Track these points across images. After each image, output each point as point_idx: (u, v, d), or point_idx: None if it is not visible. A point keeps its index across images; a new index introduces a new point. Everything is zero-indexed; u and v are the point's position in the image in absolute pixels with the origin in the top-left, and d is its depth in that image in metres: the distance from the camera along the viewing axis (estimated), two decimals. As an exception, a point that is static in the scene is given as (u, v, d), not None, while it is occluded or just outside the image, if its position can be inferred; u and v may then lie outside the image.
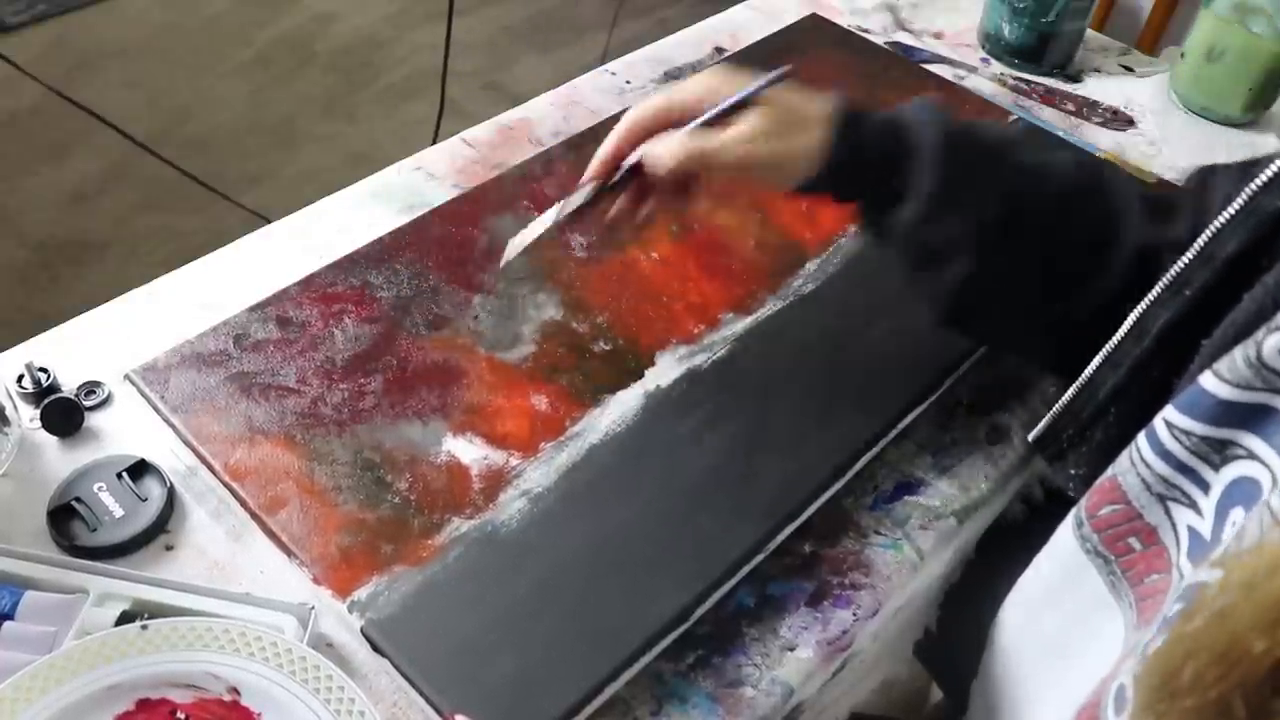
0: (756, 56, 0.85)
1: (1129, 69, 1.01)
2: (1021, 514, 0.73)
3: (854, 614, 0.57)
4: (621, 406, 0.60)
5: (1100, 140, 0.90)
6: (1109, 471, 0.47)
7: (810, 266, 0.69)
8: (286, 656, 0.49)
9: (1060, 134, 0.91)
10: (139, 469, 0.59)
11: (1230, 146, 0.92)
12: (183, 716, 0.47)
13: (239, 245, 0.76)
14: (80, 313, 0.70)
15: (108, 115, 1.61)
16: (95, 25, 2.28)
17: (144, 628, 0.49)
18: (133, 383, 0.61)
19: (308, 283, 0.67)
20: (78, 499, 0.58)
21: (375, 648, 0.51)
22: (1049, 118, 0.92)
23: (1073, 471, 0.53)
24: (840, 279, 0.68)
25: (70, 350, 0.67)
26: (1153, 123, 0.94)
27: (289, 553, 0.54)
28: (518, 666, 0.49)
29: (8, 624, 0.51)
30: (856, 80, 0.84)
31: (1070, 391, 0.52)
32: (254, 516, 0.56)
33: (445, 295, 0.66)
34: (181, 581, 0.54)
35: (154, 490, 0.59)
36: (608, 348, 0.63)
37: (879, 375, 0.63)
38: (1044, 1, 0.95)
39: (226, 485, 0.57)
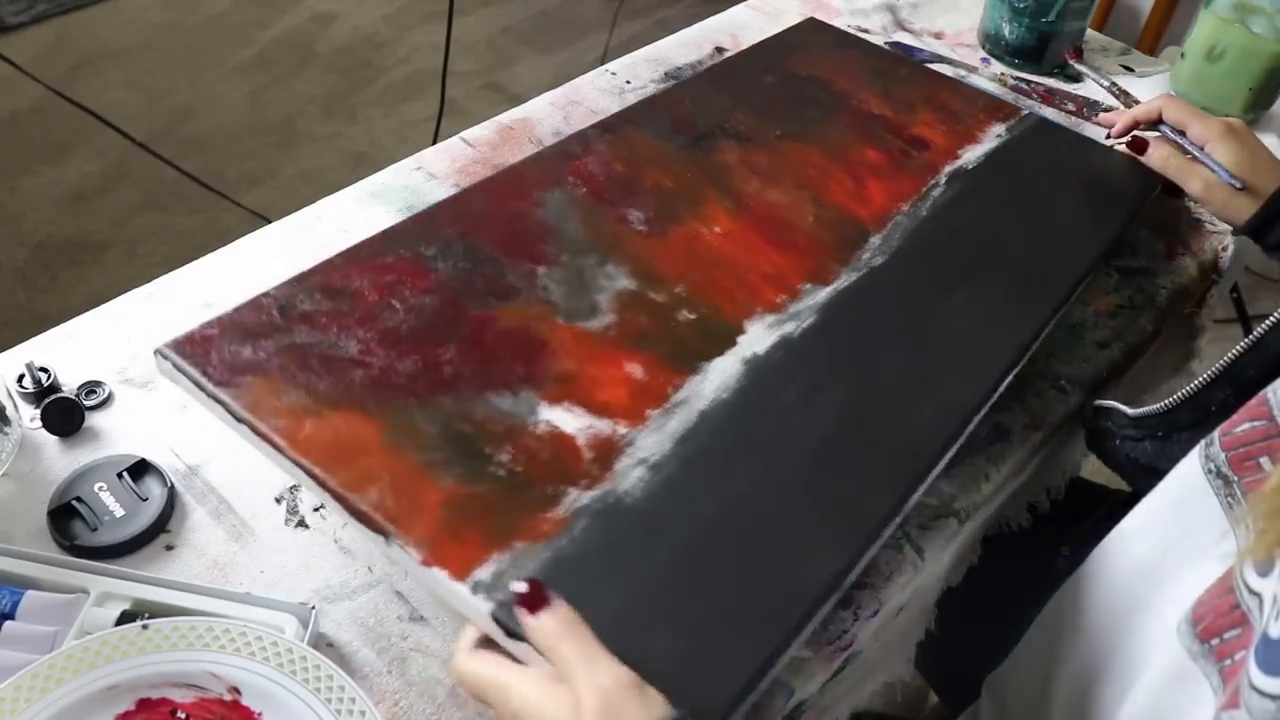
0: (756, 58, 0.85)
1: (1129, 69, 1.01)
2: (1027, 522, 0.74)
3: (854, 613, 0.57)
4: (722, 374, 0.57)
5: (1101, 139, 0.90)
6: (1261, 393, 0.47)
7: (875, 240, 0.68)
8: (287, 656, 0.49)
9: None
10: (139, 469, 0.59)
11: (1230, 146, 0.92)
12: (183, 716, 0.47)
13: (239, 245, 0.76)
14: (80, 313, 0.70)
15: (108, 115, 1.61)
16: (95, 25, 2.28)
17: (144, 627, 0.49)
18: (165, 357, 0.52)
19: (352, 254, 0.60)
20: (78, 499, 0.58)
21: (510, 633, 0.45)
22: (1050, 115, 0.92)
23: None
24: (908, 253, 0.68)
25: (70, 350, 0.67)
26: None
27: (384, 534, 0.47)
28: (679, 644, 0.46)
29: (8, 624, 0.51)
30: (863, 75, 0.85)
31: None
32: (336, 496, 0.48)
33: (506, 266, 0.61)
34: (182, 581, 0.54)
35: (154, 490, 0.59)
36: (692, 316, 0.60)
37: (969, 340, 0.63)
38: (1044, 1, 0.95)
39: (298, 464, 0.49)
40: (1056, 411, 0.69)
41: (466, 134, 0.87)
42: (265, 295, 0.57)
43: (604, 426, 0.54)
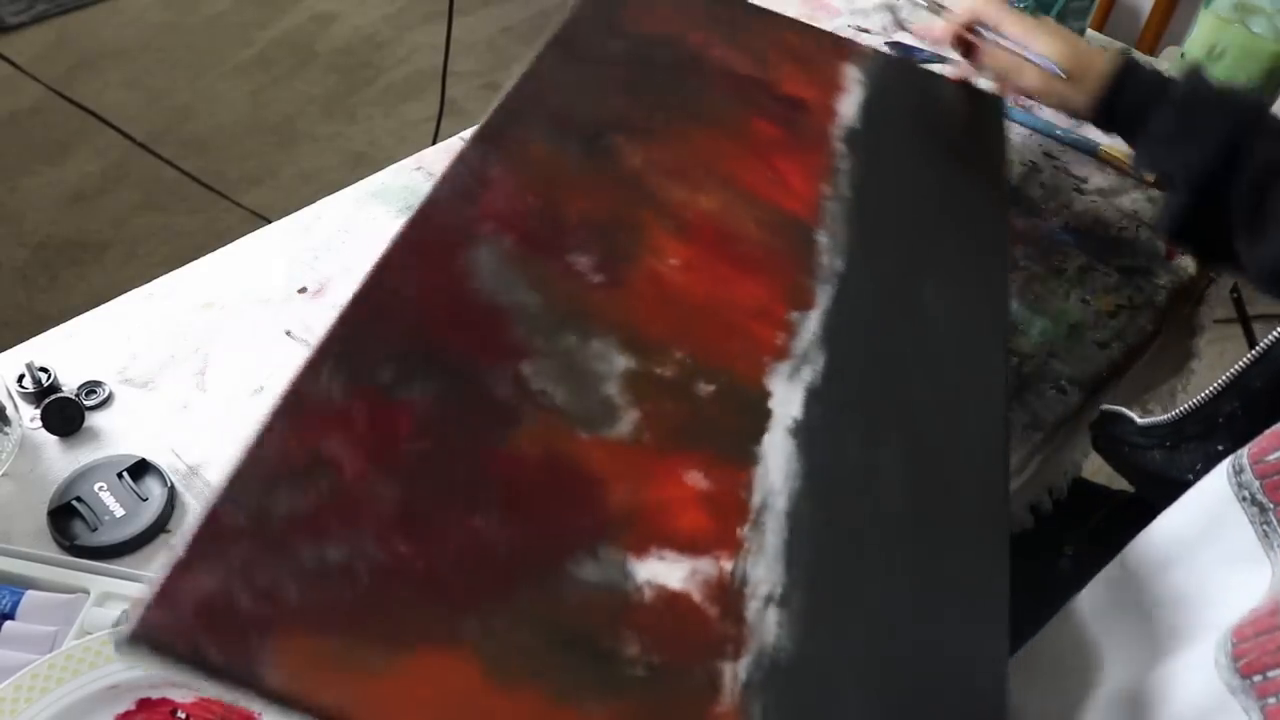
0: (591, 21, 0.76)
1: (1129, 69, 1.01)
2: (1029, 523, 0.74)
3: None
4: (778, 455, 0.51)
5: (1102, 139, 0.90)
6: None
7: (823, 239, 0.65)
8: (287, 656, 0.49)
9: (1060, 132, 0.91)
10: (139, 469, 0.59)
11: (1230, 146, 0.92)
12: (183, 716, 0.47)
13: (239, 245, 0.76)
14: (80, 313, 0.70)
15: (108, 115, 1.61)
16: (95, 25, 2.28)
17: (144, 627, 0.48)
18: (141, 641, 0.35)
19: (293, 406, 0.44)
20: (78, 499, 0.58)
21: None
22: (1049, 116, 0.92)
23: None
24: (861, 250, 0.65)
25: (70, 350, 0.67)
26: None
27: None
28: None
29: (8, 624, 0.51)
30: (706, 24, 0.79)
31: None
32: None
33: (484, 374, 0.49)
34: (182, 581, 0.54)
35: (155, 490, 0.59)
36: (711, 388, 0.53)
37: (958, 329, 0.62)
38: (1044, 1, 0.95)
39: None
40: (1056, 411, 0.69)
41: (467, 134, 0.87)
42: (220, 505, 0.39)
43: (707, 567, 0.45)
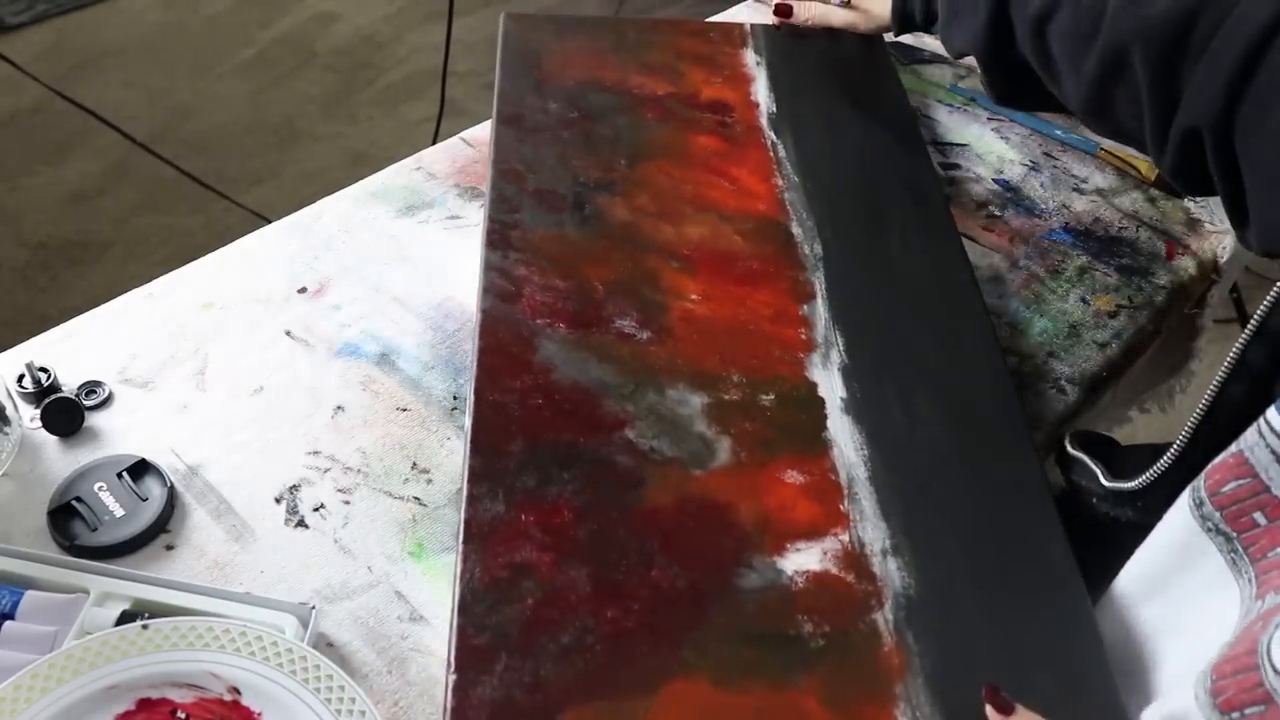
0: (515, 87, 0.82)
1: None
2: None
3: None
4: (843, 434, 0.60)
5: (1103, 140, 0.90)
6: (1232, 448, 0.47)
7: (796, 230, 0.72)
8: (287, 656, 0.49)
9: (1060, 132, 0.91)
10: (139, 469, 0.59)
11: (1230, 146, 0.92)
12: (183, 716, 0.47)
13: (239, 245, 0.76)
14: (80, 313, 0.70)
15: (108, 115, 1.61)
16: (95, 25, 2.28)
17: (144, 627, 0.49)
18: None
19: (477, 531, 0.53)
20: (78, 499, 0.58)
21: None
22: (1049, 116, 0.92)
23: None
24: (829, 229, 0.72)
25: (70, 350, 0.67)
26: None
27: None
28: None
29: (8, 624, 0.51)
30: (612, 57, 0.86)
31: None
32: None
33: (602, 450, 0.58)
34: (182, 581, 0.54)
35: (154, 490, 0.59)
36: (771, 396, 0.61)
37: (931, 273, 0.70)
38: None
39: None
40: (1056, 411, 0.69)
41: (466, 134, 0.87)
42: (463, 634, 0.49)
43: (830, 544, 0.55)
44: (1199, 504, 0.48)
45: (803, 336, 0.65)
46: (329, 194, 0.80)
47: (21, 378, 0.63)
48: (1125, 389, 0.79)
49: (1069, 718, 0.48)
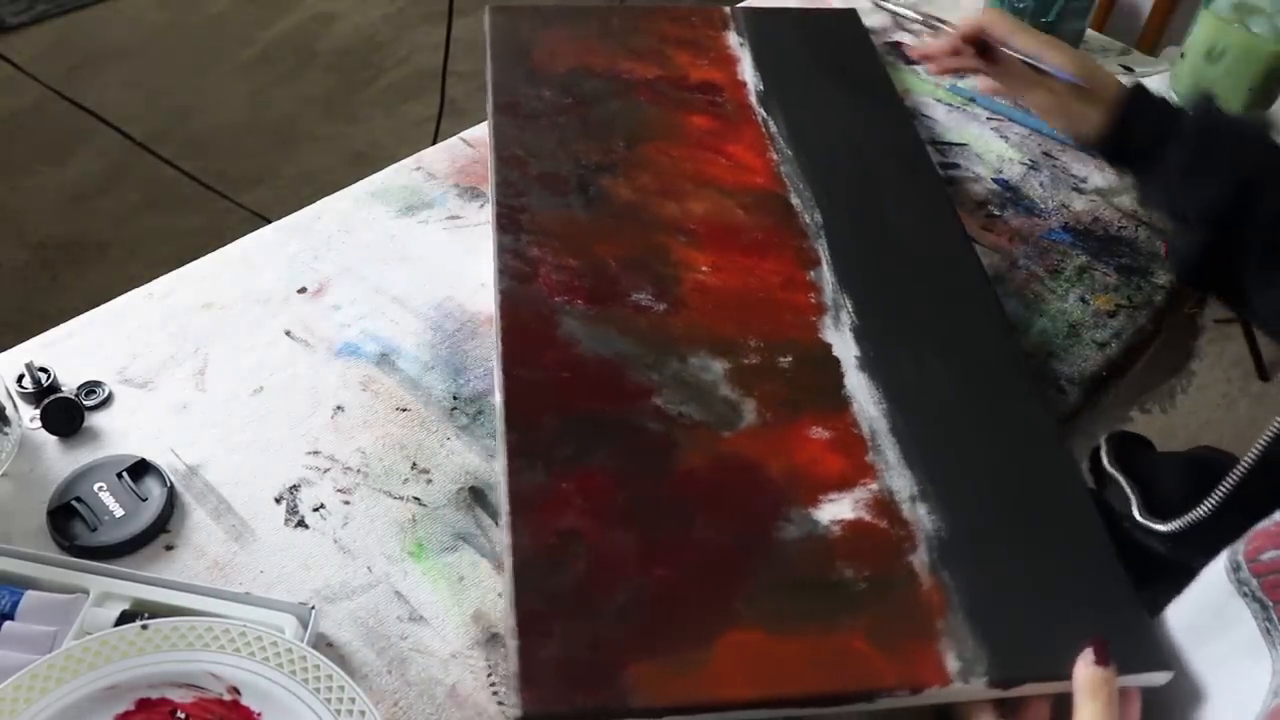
0: (508, 75, 0.85)
1: (1129, 69, 1.01)
2: None
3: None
4: (861, 389, 0.63)
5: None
6: (1276, 515, 0.46)
7: (795, 201, 0.75)
8: (286, 656, 0.49)
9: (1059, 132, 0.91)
10: (139, 469, 0.59)
11: (1230, 146, 0.92)
12: (183, 716, 0.47)
13: (239, 245, 0.76)
14: (80, 313, 0.70)
15: (108, 115, 1.61)
16: (95, 25, 2.28)
17: (144, 627, 0.49)
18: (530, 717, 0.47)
19: (522, 500, 0.54)
20: (78, 499, 0.58)
21: (1007, 685, 0.50)
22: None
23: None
24: (827, 198, 0.75)
25: (70, 350, 0.67)
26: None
27: (874, 694, 0.49)
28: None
29: (8, 624, 0.51)
30: (599, 44, 0.87)
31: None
32: (838, 699, 0.49)
33: (634, 417, 0.59)
34: (181, 581, 0.54)
35: (154, 490, 0.59)
36: (789, 358, 0.64)
37: (927, 230, 0.74)
38: (1044, 1, 0.95)
39: (767, 703, 0.49)
40: (1055, 411, 0.69)
41: (466, 134, 0.87)
42: (521, 601, 0.50)
43: (861, 494, 0.57)
44: (1236, 568, 0.47)
45: (812, 300, 0.68)
46: (329, 194, 0.80)
47: (21, 378, 0.63)
48: (1126, 389, 0.79)
49: (1099, 633, 0.50)
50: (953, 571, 0.54)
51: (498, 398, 0.60)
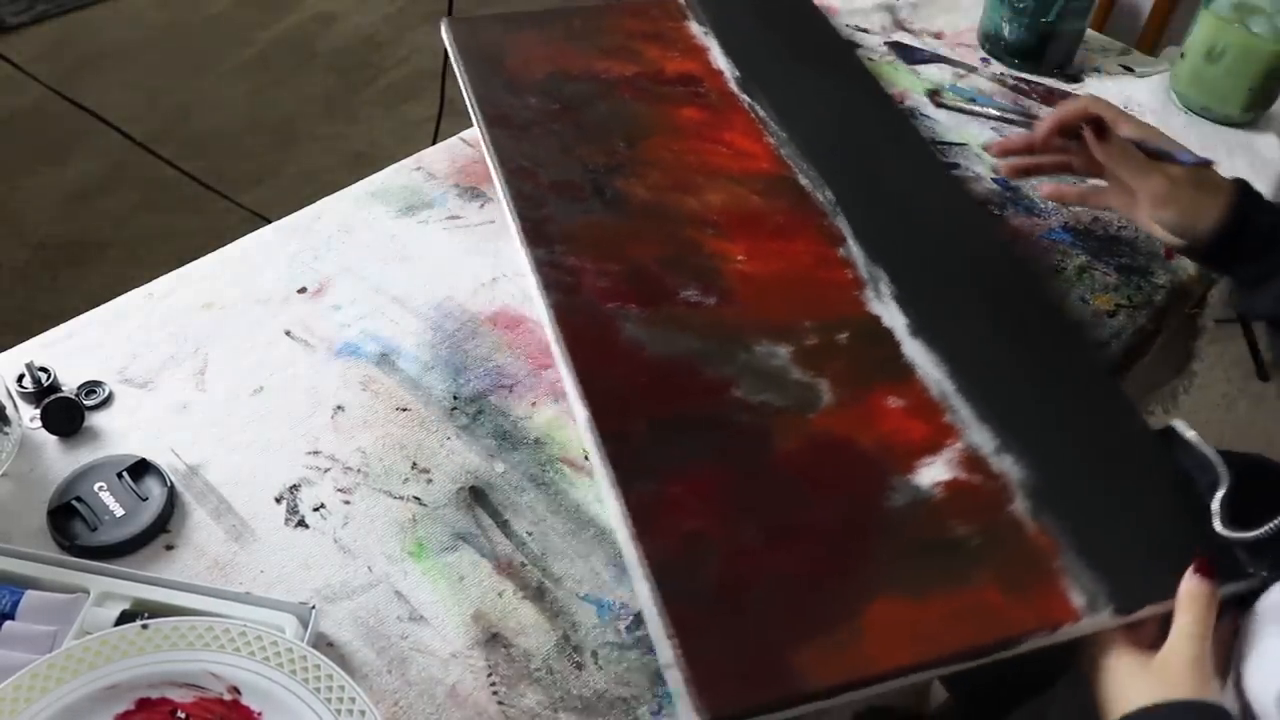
0: (489, 87, 0.83)
1: (1129, 69, 1.01)
2: None
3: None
4: (920, 355, 0.64)
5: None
6: None
7: (803, 180, 0.76)
8: (286, 656, 0.49)
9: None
10: (139, 469, 0.59)
11: (1230, 146, 0.92)
12: (183, 716, 0.47)
13: (239, 245, 0.76)
14: (80, 313, 0.70)
15: (108, 115, 1.61)
16: (95, 25, 2.28)
17: (144, 627, 0.49)
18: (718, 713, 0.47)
19: (644, 521, 0.54)
20: (78, 498, 0.58)
21: (1129, 611, 0.52)
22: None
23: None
24: (831, 172, 0.76)
25: (70, 350, 0.67)
26: (1153, 122, 0.94)
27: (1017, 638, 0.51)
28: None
29: (8, 624, 0.51)
30: (570, 47, 0.87)
31: None
32: (1005, 642, 0.51)
33: (722, 415, 0.60)
34: (182, 581, 0.54)
35: (154, 490, 0.59)
36: (846, 334, 0.65)
37: (948, 202, 0.76)
38: (1044, 1, 0.95)
39: (922, 666, 0.50)
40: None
41: (466, 134, 0.87)
42: (671, 608, 0.50)
43: (950, 454, 0.59)
44: None
45: (850, 276, 0.69)
46: (329, 194, 0.80)
47: (21, 378, 0.63)
48: (1128, 390, 0.79)
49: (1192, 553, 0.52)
50: (1052, 514, 0.56)
51: (580, 414, 0.59)
